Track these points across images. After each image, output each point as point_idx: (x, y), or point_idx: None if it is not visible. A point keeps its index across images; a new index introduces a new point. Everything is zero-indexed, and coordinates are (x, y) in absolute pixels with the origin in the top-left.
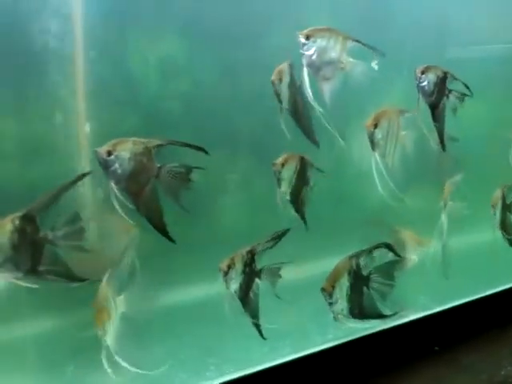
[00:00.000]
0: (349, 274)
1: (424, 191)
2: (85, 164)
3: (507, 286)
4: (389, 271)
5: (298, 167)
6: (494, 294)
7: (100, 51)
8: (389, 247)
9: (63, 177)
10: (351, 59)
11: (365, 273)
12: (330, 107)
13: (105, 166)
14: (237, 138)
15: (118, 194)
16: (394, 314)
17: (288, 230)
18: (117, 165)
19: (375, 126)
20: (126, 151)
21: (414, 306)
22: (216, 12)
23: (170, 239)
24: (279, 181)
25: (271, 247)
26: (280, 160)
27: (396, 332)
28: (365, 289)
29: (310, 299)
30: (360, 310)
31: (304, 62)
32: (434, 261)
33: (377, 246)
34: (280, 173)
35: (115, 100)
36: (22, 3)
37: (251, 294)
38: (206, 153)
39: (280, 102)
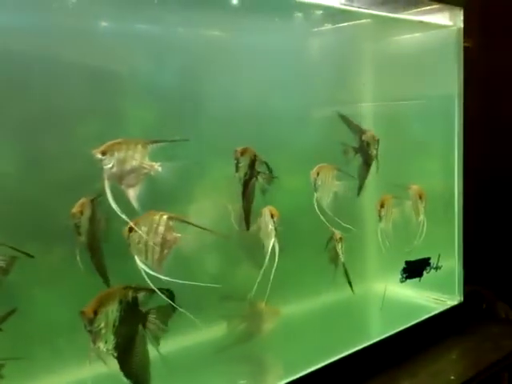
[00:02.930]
0: (120, 303)
1: None
2: None
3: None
4: (165, 316)
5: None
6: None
7: None
8: (171, 297)
9: None
10: (153, 162)
11: (143, 309)
12: (139, 211)
13: None
14: (47, 230)
15: None
16: None
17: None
18: None
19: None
20: None
21: None
22: (19, 103)
23: None
24: None
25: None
26: None
27: None
28: (140, 327)
29: None
30: (128, 349)
31: (105, 175)
32: None
33: (160, 290)
34: None
35: None
36: None
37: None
38: None
39: (79, 234)
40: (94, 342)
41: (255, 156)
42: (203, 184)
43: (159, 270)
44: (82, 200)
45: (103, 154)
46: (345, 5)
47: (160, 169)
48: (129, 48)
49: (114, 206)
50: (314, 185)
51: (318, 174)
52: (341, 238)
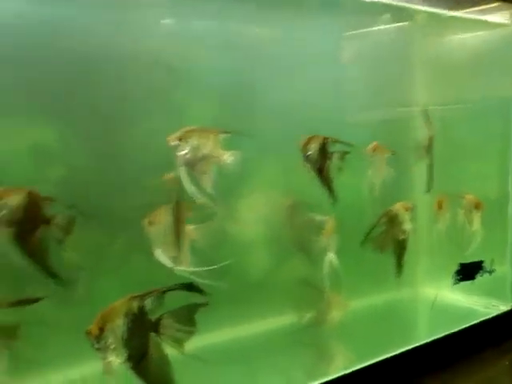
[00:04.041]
0: (126, 316)
1: None
2: None
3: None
4: (187, 315)
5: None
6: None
7: None
8: (189, 288)
9: None
10: (223, 151)
11: (153, 317)
12: (211, 197)
13: None
14: (114, 220)
15: None
16: None
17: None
18: None
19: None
20: None
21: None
22: (89, 96)
23: None
24: None
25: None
26: None
27: None
28: (153, 335)
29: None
30: (142, 361)
31: (180, 161)
32: None
33: (171, 288)
34: None
35: None
36: None
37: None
38: None
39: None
40: (105, 357)
41: (324, 139)
42: (262, 176)
43: (178, 262)
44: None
45: (178, 140)
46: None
47: (230, 158)
48: (191, 44)
49: (190, 191)
50: (369, 162)
51: (374, 150)
52: (407, 208)
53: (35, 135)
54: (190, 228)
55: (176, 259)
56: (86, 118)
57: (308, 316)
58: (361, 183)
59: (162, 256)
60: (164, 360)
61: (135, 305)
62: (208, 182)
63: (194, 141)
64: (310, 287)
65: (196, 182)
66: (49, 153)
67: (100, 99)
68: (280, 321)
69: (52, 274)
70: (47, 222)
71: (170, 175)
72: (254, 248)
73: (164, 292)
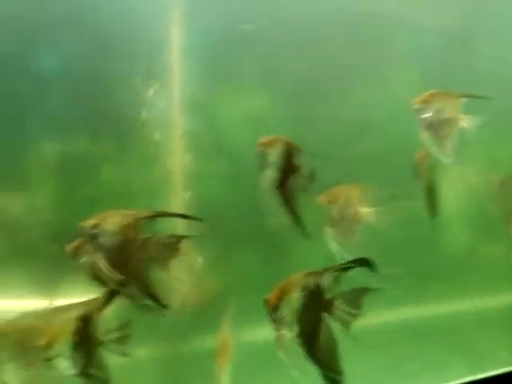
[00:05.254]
0: (302, 290)
1: None
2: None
3: None
4: (356, 298)
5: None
6: None
7: (194, 107)
8: (366, 263)
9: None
10: (464, 115)
11: (327, 296)
12: (453, 159)
13: (91, 238)
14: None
15: (104, 265)
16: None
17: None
18: (103, 237)
19: None
20: (112, 224)
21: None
22: (301, 68)
23: (162, 305)
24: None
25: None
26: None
27: None
28: (325, 315)
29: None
30: (312, 338)
31: (423, 125)
32: None
33: (349, 267)
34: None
35: (207, 151)
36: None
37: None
38: (201, 220)
39: None
40: (278, 329)
41: None
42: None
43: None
44: None
45: (425, 103)
46: None
47: (469, 123)
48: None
49: (433, 150)
50: None
51: None
52: None
53: (250, 103)
54: (365, 211)
55: (345, 243)
56: (297, 88)
57: None
58: None
59: (330, 236)
60: (332, 342)
61: (312, 281)
62: (450, 145)
63: (437, 104)
64: None
65: (439, 146)
66: (262, 120)
67: (312, 66)
68: (491, 300)
69: (300, 225)
70: (297, 170)
71: (421, 153)
72: (453, 224)
73: (340, 270)
